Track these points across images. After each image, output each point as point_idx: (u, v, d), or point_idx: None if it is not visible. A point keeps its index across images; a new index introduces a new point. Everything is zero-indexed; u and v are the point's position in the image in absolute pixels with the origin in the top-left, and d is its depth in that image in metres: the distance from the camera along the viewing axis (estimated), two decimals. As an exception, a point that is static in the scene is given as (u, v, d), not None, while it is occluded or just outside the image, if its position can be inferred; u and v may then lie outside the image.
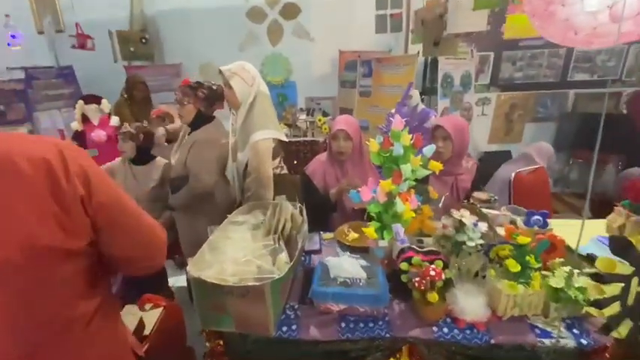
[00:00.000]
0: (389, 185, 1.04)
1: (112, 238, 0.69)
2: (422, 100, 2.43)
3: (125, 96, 2.98)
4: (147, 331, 1.41)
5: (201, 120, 1.76)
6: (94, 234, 0.65)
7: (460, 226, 1.06)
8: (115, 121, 2.74)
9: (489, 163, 3.14)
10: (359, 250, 1.29)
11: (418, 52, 2.94)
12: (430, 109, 2.21)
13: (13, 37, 2.67)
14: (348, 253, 1.26)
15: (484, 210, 1.34)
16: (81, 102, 2.66)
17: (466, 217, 1.06)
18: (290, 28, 3.73)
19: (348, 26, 3.64)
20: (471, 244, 1.03)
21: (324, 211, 1.75)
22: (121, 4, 3.52)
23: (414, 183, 1.09)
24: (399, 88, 2.73)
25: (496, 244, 1.08)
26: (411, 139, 1.09)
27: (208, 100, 1.77)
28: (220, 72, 1.59)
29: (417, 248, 1.10)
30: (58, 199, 0.57)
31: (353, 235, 1.42)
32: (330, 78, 3.86)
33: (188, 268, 0.99)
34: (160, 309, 1.55)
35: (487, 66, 3.74)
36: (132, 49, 3.63)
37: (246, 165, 1.63)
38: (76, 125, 2.64)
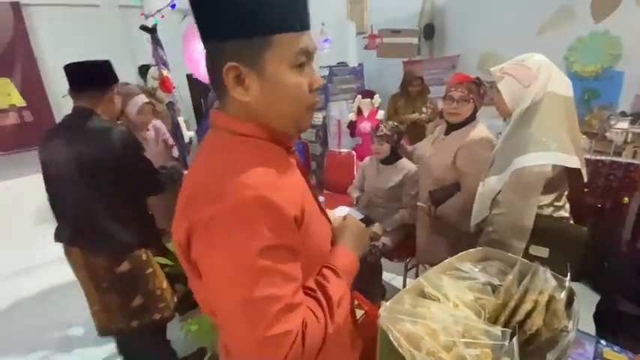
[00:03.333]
0: None
1: None
2: None
3: (398, 91, 3.14)
4: (344, 331, 1.42)
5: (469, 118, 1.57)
6: None
7: None
8: (380, 115, 2.97)
9: None
10: None
11: None
12: None
13: (325, 41, 3.43)
14: None
15: None
16: (359, 96, 3.07)
17: None
18: (637, -9, 2.46)
19: None
20: None
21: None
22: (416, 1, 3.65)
23: None
24: None
25: None
26: None
27: (484, 97, 1.54)
28: (489, 73, 1.22)
29: None
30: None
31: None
32: None
33: (382, 310, 0.82)
34: (362, 312, 1.52)
35: None
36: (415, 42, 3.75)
37: (499, 192, 1.21)
38: (351, 116, 3.08)
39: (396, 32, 3.35)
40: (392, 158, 2.01)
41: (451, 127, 1.59)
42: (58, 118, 4.54)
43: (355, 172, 2.93)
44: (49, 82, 4.38)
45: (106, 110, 1.37)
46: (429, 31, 3.65)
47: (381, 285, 2.22)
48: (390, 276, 2.45)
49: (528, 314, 0.76)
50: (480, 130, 1.52)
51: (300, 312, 0.52)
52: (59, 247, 1.42)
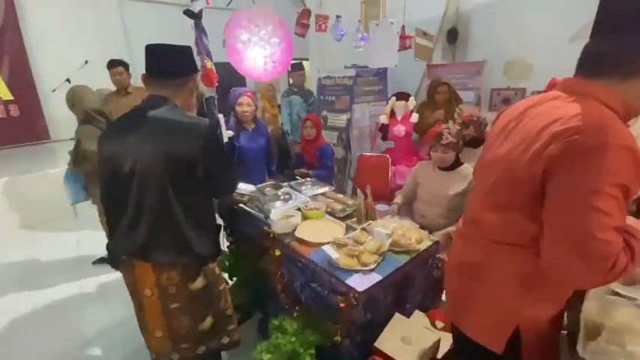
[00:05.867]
0: None
1: None
2: None
3: (426, 100, 3.02)
4: (439, 355, 1.28)
5: None
6: None
7: None
8: (414, 118, 2.86)
9: None
10: None
11: None
12: None
13: (362, 39, 3.34)
14: None
15: None
16: (394, 98, 2.94)
17: None
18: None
19: None
20: None
21: None
22: (438, 4, 3.60)
23: None
24: None
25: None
26: None
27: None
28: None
29: None
30: None
31: None
32: None
33: (579, 349, 0.69)
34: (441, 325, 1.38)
35: None
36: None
37: None
38: (384, 119, 2.95)
39: (426, 34, 3.29)
40: (454, 164, 1.89)
41: None
42: (47, 114, 4.20)
43: (390, 177, 2.80)
44: (38, 75, 4.02)
45: (185, 102, 1.18)
46: (451, 36, 3.61)
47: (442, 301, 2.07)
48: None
49: None
50: None
51: (620, 240, 0.66)
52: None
